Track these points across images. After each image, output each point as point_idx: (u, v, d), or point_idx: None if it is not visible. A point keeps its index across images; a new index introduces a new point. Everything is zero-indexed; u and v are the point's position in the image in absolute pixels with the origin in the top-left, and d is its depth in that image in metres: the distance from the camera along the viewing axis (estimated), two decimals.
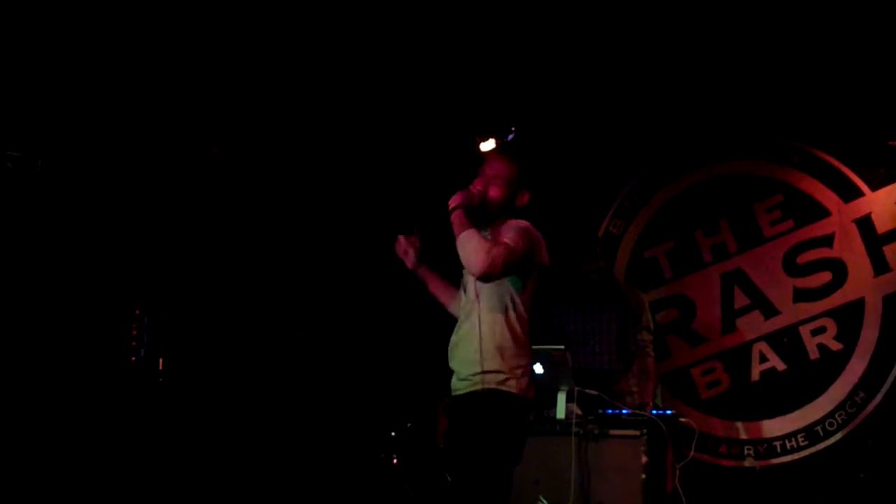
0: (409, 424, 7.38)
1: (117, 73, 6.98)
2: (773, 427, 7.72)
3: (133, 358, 6.94)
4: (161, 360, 7.05)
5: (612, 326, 6.83)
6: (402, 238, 5.01)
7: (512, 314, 4.68)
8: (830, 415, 7.56)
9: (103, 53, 6.82)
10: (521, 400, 4.62)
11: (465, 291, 4.85)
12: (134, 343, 6.98)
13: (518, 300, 4.69)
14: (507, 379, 4.60)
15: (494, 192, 4.84)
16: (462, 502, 4.49)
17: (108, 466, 6.69)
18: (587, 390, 6.25)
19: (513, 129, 8.05)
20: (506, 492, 4.57)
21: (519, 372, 4.63)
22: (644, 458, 5.84)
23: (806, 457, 7.61)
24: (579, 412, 6.07)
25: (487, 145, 8.02)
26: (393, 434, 7.33)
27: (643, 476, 5.81)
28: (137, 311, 7.02)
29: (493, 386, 4.59)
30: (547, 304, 7.11)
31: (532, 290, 4.76)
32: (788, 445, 7.66)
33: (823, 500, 7.42)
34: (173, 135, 7.45)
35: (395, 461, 7.22)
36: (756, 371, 7.84)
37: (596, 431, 5.95)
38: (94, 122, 7.07)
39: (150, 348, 6.94)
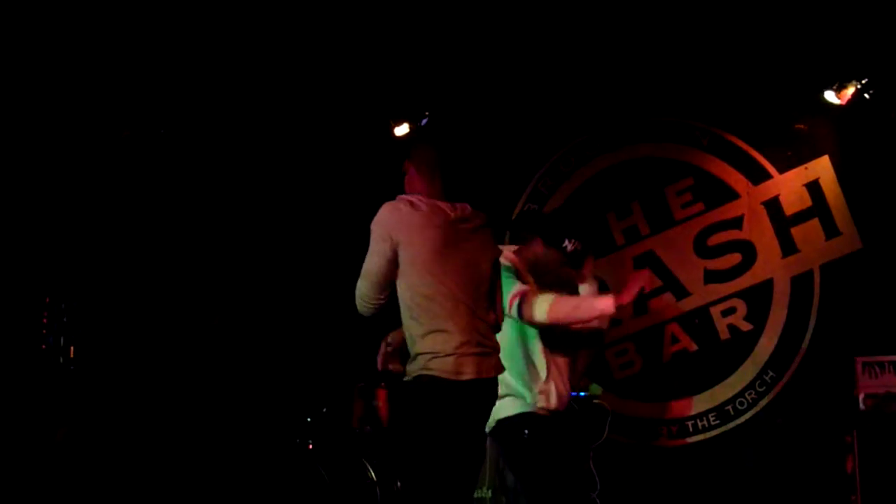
0: (324, 409, 7.37)
1: (22, 56, 6.87)
2: (685, 407, 7.82)
3: (43, 346, 6.85)
4: (72, 349, 6.97)
5: None
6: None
7: None
8: (741, 394, 7.68)
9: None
10: None
11: None
12: (45, 331, 6.89)
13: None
14: None
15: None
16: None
17: (20, 455, 6.61)
18: None
19: (427, 113, 8.07)
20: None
21: None
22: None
23: (717, 436, 7.74)
24: None
25: (401, 130, 8.04)
26: (309, 419, 7.31)
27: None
28: (48, 300, 6.93)
29: None
30: None
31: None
32: (700, 425, 7.77)
33: (734, 479, 7.53)
34: (85, 119, 7.37)
35: (310, 446, 7.20)
36: (668, 352, 7.94)
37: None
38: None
39: (62, 336, 6.86)
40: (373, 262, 4.45)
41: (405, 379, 4.47)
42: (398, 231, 4.42)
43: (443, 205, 4.56)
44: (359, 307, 4.55)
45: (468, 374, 4.40)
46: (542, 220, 5.85)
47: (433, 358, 4.39)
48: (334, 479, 6.96)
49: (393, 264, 4.42)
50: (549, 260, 5.34)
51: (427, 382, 4.39)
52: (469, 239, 4.58)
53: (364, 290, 4.49)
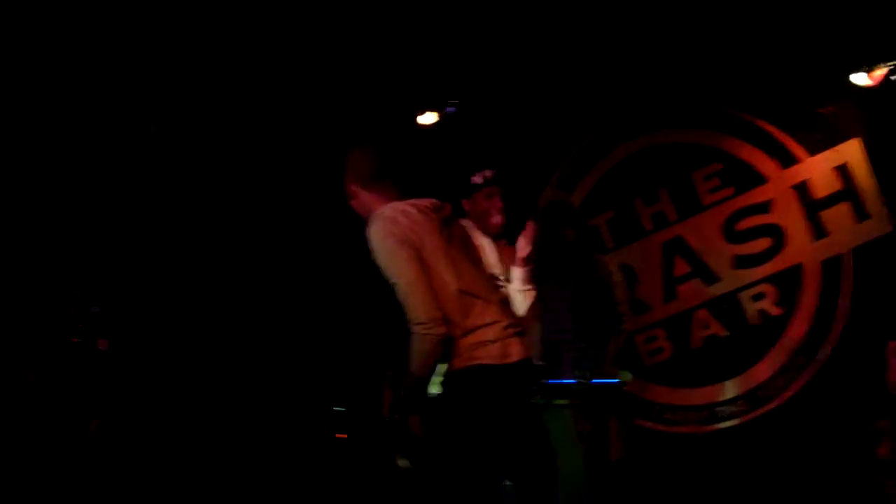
0: (353, 398, 7.39)
1: (48, 52, 6.91)
2: (715, 393, 7.80)
3: (74, 339, 6.89)
4: (104, 341, 7.00)
5: (566, 295, 6.74)
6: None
7: None
8: (771, 379, 7.65)
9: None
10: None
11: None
12: (76, 324, 6.93)
13: None
14: None
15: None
16: None
17: (54, 446, 6.66)
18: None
19: (454, 102, 8.05)
20: None
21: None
22: (587, 427, 5.88)
23: (747, 422, 7.71)
24: None
25: (427, 119, 8.03)
26: (337, 408, 7.33)
27: (586, 444, 5.86)
28: (79, 293, 6.97)
29: None
30: None
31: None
32: (730, 411, 7.75)
33: (765, 465, 7.51)
34: (111, 114, 7.40)
35: (339, 435, 7.22)
36: (698, 338, 7.92)
37: (539, 401, 5.96)
38: (28, 101, 7.01)
39: (93, 329, 6.90)
40: (407, 271, 4.16)
41: (446, 372, 4.27)
42: (411, 234, 4.22)
43: (413, 202, 4.37)
44: (427, 333, 4.13)
45: (515, 355, 4.29)
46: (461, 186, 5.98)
47: (478, 348, 4.24)
48: (363, 468, 6.97)
49: (422, 266, 4.20)
50: (477, 205, 5.59)
51: (475, 372, 4.23)
52: (452, 227, 4.43)
53: (418, 305, 4.13)
